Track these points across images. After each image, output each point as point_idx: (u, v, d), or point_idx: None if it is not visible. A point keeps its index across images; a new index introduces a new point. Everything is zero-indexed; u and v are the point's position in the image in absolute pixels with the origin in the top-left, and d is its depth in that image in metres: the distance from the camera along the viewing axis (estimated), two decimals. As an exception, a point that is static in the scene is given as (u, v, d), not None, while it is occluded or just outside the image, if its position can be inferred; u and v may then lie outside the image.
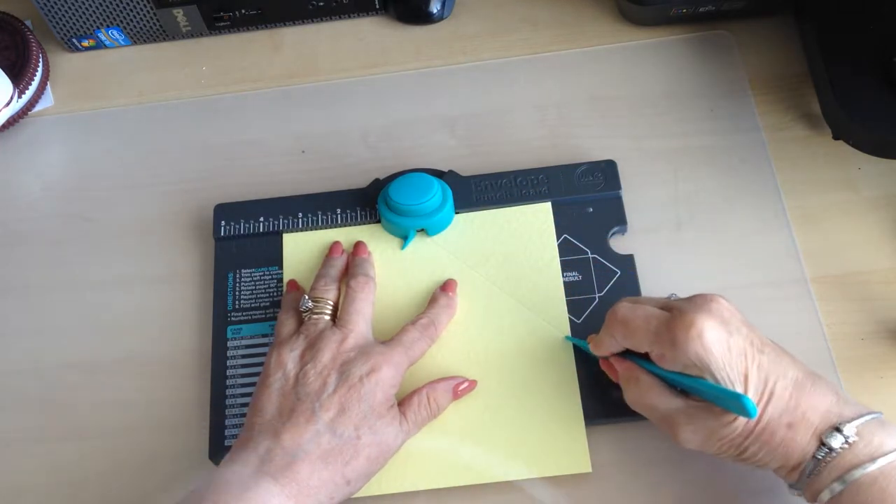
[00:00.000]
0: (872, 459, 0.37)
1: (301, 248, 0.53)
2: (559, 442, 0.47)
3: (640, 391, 0.43)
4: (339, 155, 0.59)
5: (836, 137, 0.53)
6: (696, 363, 0.39)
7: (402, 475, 0.47)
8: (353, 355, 0.45)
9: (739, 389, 0.38)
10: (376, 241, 0.53)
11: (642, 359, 0.43)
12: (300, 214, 0.54)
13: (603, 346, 0.45)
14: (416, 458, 0.47)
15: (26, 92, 0.60)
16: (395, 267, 0.52)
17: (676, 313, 0.40)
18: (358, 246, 0.53)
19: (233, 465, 0.42)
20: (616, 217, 0.53)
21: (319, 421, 0.43)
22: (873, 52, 0.52)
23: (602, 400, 0.48)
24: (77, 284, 0.55)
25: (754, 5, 0.59)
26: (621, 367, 0.44)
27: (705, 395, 0.40)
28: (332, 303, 0.49)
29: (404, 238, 0.53)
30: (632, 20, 0.62)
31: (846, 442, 0.37)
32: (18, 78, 0.60)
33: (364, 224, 0.54)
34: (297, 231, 0.54)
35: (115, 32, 0.63)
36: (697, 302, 0.41)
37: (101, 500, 0.49)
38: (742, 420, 0.39)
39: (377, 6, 0.63)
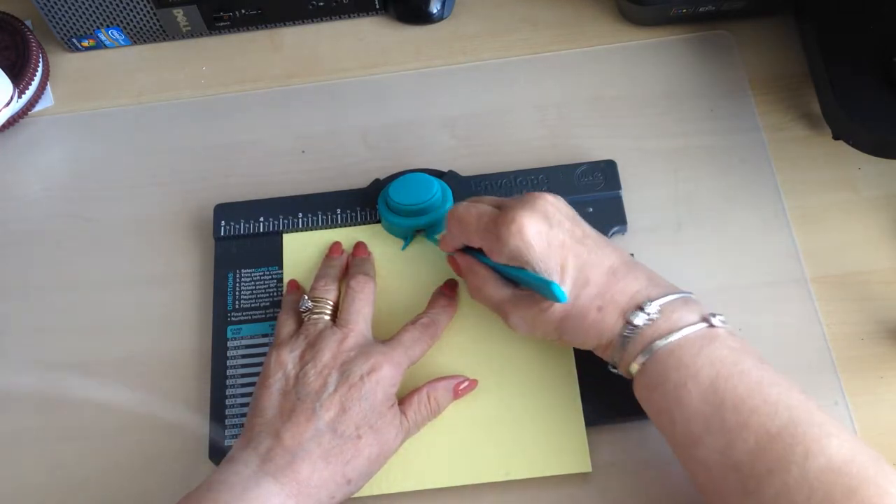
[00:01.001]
0: (671, 332, 0.41)
1: (301, 248, 0.53)
2: (559, 442, 0.47)
3: (478, 282, 0.47)
4: (339, 155, 0.59)
5: (836, 137, 0.53)
6: (518, 256, 0.43)
7: (402, 475, 0.47)
8: (353, 354, 0.45)
9: (556, 279, 0.42)
10: (376, 242, 0.53)
11: (481, 254, 0.46)
12: (300, 214, 0.54)
13: (446, 242, 0.49)
14: (416, 458, 0.47)
15: (26, 92, 0.60)
16: (395, 267, 0.52)
17: (503, 211, 0.44)
18: (358, 246, 0.53)
19: (233, 464, 0.42)
20: (616, 217, 0.53)
21: (320, 420, 0.43)
22: (873, 52, 0.52)
23: (602, 400, 0.48)
24: (77, 284, 0.55)
25: (754, 5, 0.59)
26: (462, 261, 0.48)
27: (528, 285, 0.44)
28: (331, 303, 0.49)
29: (404, 238, 0.53)
30: (632, 20, 0.62)
31: (649, 319, 0.42)
32: (18, 78, 0.60)
33: (364, 224, 0.54)
34: (297, 231, 0.54)
35: (115, 32, 0.63)
36: (524, 199, 0.44)
37: (101, 500, 0.49)
38: (558, 305, 0.43)
39: (377, 6, 0.63)
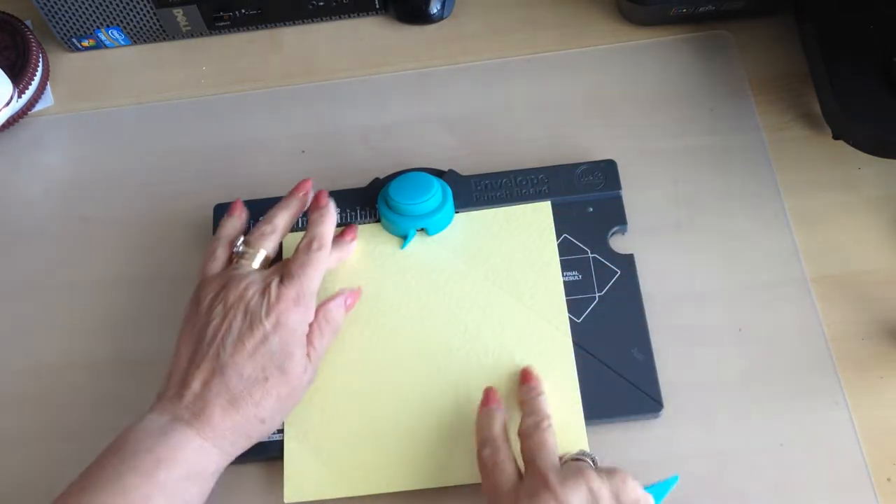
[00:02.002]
0: None
1: None
2: (559, 441, 0.47)
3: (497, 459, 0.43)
4: (339, 155, 0.59)
5: (836, 137, 0.53)
6: None
7: (401, 474, 0.47)
8: (256, 302, 0.45)
9: None
10: (376, 241, 0.53)
11: None
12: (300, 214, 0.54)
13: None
14: (415, 457, 0.47)
15: (26, 92, 0.60)
16: (394, 267, 0.52)
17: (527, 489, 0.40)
18: (318, 196, 0.51)
19: (150, 414, 0.44)
20: (616, 217, 0.53)
21: (226, 367, 0.44)
22: (873, 52, 0.52)
23: (602, 400, 0.48)
24: (77, 284, 0.55)
25: (754, 5, 0.59)
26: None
27: None
28: (264, 255, 0.49)
29: (404, 237, 0.53)
30: (632, 20, 0.62)
31: None
32: (18, 78, 0.60)
33: (364, 224, 0.54)
34: (297, 231, 0.54)
35: (115, 32, 0.63)
36: (554, 480, 0.40)
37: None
38: None
39: (377, 6, 0.63)
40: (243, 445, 0.45)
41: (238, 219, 0.52)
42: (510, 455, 0.44)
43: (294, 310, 0.46)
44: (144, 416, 0.44)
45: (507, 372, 0.49)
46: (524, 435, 0.44)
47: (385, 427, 0.48)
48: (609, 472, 0.40)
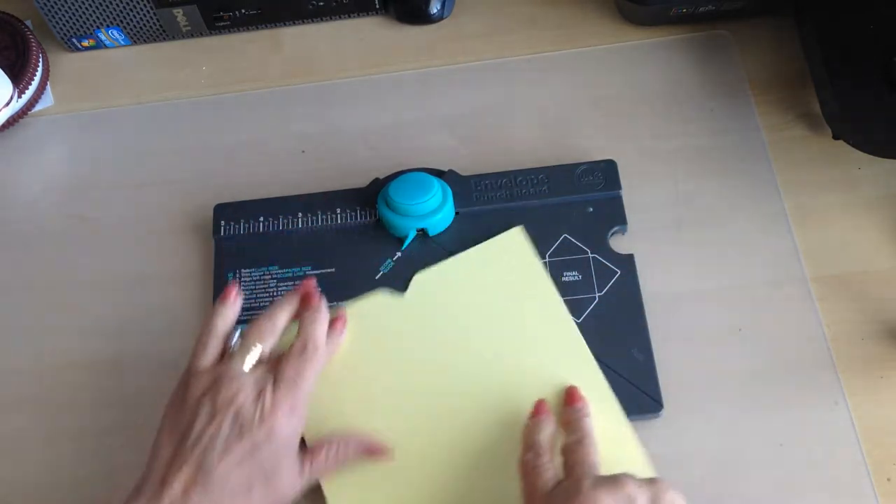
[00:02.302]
0: None
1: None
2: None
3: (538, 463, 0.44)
4: (339, 155, 0.59)
5: (836, 137, 0.53)
6: None
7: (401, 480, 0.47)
8: (249, 406, 0.42)
9: None
10: (375, 243, 0.53)
11: None
12: (300, 214, 0.54)
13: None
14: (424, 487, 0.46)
15: (26, 92, 0.60)
16: (394, 267, 0.52)
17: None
18: (309, 296, 0.47)
19: None
20: (616, 217, 0.53)
21: (210, 474, 0.41)
22: (873, 52, 0.52)
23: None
24: (77, 284, 0.55)
25: (754, 5, 0.59)
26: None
27: None
28: (258, 354, 0.45)
29: (404, 238, 0.53)
30: (632, 20, 0.62)
31: None
32: (18, 78, 0.60)
33: (364, 223, 0.54)
34: (298, 231, 0.54)
35: (115, 32, 0.63)
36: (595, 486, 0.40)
37: (100, 500, 0.49)
38: None
39: (377, 6, 0.63)
40: None
41: (233, 307, 0.47)
42: (552, 462, 0.44)
43: (288, 421, 0.43)
44: None
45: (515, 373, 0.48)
46: (567, 450, 0.44)
47: (421, 482, 0.46)
48: (650, 481, 0.40)
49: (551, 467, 0.43)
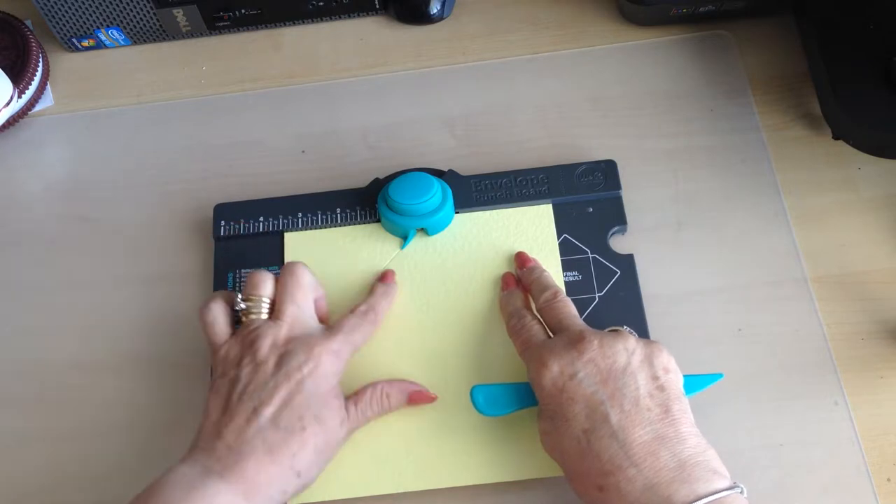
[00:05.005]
0: None
1: (303, 248, 0.53)
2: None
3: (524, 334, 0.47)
4: (339, 155, 0.59)
5: (836, 137, 0.53)
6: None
7: (406, 475, 0.47)
8: (291, 347, 0.45)
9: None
10: (376, 241, 0.53)
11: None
12: (300, 214, 0.54)
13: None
14: (416, 459, 0.47)
15: (26, 92, 0.60)
16: (394, 267, 0.52)
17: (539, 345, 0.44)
18: (389, 273, 0.52)
19: (180, 466, 0.42)
20: (616, 217, 0.53)
21: (262, 416, 0.42)
22: (873, 52, 0.52)
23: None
24: (77, 284, 0.55)
25: (754, 5, 0.59)
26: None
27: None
28: (267, 299, 0.47)
29: (404, 238, 0.53)
30: (632, 20, 0.62)
31: None
32: (18, 78, 0.60)
33: (364, 223, 0.54)
34: (297, 230, 0.54)
35: (115, 32, 0.63)
36: (588, 336, 0.43)
37: (101, 500, 0.49)
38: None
39: (377, 6, 0.63)
40: (278, 500, 0.42)
41: (228, 293, 0.49)
42: (536, 319, 0.47)
43: (333, 360, 0.45)
44: (174, 467, 0.42)
45: (508, 372, 0.49)
46: (544, 309, 0.47)
47: (388, 427, 0.48)
48: (646, 341, 0.43)
49: (537, 323, 0.47)
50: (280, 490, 0.42)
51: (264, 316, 0.47)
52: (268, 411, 0.43)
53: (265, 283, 0.48)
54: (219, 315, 0.47)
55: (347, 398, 0.46)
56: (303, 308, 0.47)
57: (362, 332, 0.48)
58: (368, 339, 0.48)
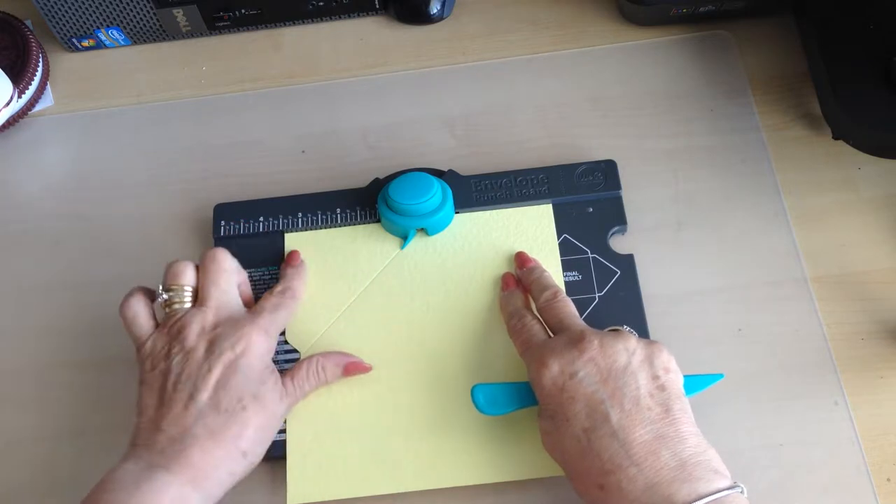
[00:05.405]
0: None
1: (302, 248, 0.53)
2: None
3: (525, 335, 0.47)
4: (339, 155, 0.59)
5: (836, 137, 0.53)
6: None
7: (404, 475, 0.47)
8: (219, 331, 0.45)
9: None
10: (376, 241, 0.53)
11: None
12: (300, 214, 0.54)
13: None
14: (419, 458, 0.47)
15: (26, 92, 0.60)
16: (396, 268, 0.52)
17: (540, 345, 0.44)
18: (294, 255, 0.52)
19: (123, 463, 0.41)
20: (616, 217, 0.53)
21: (199, 402, 0.42)
22: (873, 52, 0.52)
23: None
24: (77, 284, 0.55)
25: (754, 5, 0.59)
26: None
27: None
28: (189, 287, 0.47)
29: (404, 238, 0.53)
30: (632, 20, 0.62)
31: None
32: (18, 78, 0.60)
33: (364, 223, 0.54)
34: (297, 231, 0.54)
35: (115, 32, 0.63)
36: (586, 336, 0.43)
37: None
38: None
39: (377, 6, 0.63)
40: (227, 483, 0.43)
41: (147, 288, 0.48)
42: (536, 319, 0.47)
43: (264, 338, 0.45)
44: (115, 466, 0.41)
45: (508, 372, 0.49)
46: (544, 308, 0.47)
47: (388, 428, 0.48)
48: (647, 341, 0.43)
49: (537, 322, 0.47)
50: (228, 472, 0.42)
51: (187, 305, 0.46)
52: (204, 396, 0.42)
53: (186, 272, 0.47)
54: (140, 310, 0.46)
55: (283, 374, 0.47)
56: (227, 292, 0.47)
57: (286, 309, 0.48)
58: (291, 317, 0.49)
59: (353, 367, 0.48)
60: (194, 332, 0.45)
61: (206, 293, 0.46)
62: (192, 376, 0.43)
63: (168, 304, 0.47)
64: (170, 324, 0.46)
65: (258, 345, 0.45)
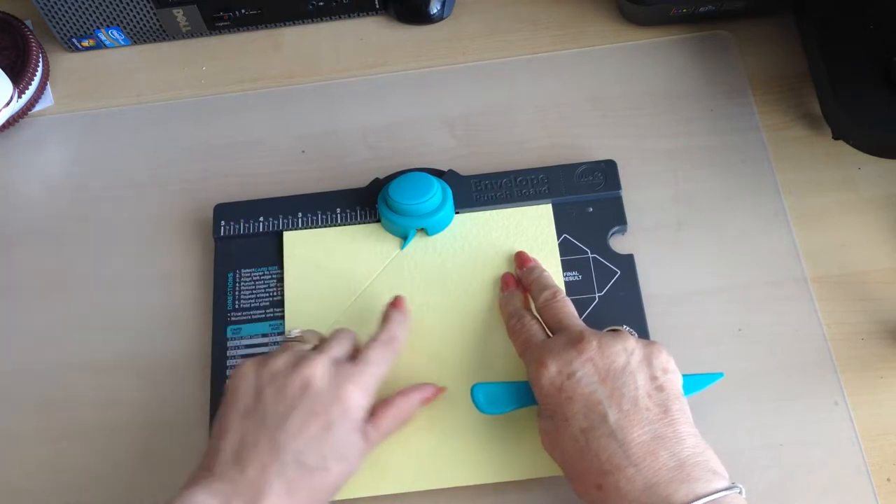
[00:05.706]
0: None
1: (301, 247, 0.53)
2: None
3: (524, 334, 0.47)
4: (339, 155, 0.59)
5: (836, 137, 0.53)
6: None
7: (400, 475, 0.47)
8: (321, 382, 0.43)
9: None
10: (376, 241, 0.53)
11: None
12: (300, 214, 0.54)
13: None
14: (416, 459, 0.47)
15: (26, 92, 0.60)
16: (394, 267, 0.52)
17: (540, 345, 0.44)
18: (401, 300, 0.50)
19: (199, 492, 0.39)
20: (616, 217, 0.53)
21: (286, 452, 0.40)
22: (873, 52, 0.52)
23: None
24: (77, 284, 0.55)
25: (754, 5, 0.59)
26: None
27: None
28: (319, 338, 0.47)
29: (404, 238, 0.53)
30: (632, 20, 0.62)
31: None
32: (18, 78, 0.60)
33: (364, 223, 0.54)
34: (297, 230, 0.54)
35: (115, 32, 0.63)
36: (584, 336, 0.43)
37: (101, 499, 0.49)
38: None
39: (377, 6, 0.63)
40: None
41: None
42: (535, 319, 0.47)
43: (361, 396, 0.43)
44: (190, 491, 0.39)
45: (508, 372, 0.49)
46: (543, 308, 0.47)
47: None
48: (646, 341, 0.43)
49: (536, 323, 0.47)
50: None
51: (307, 347, 0.45)
52: (292, 447, 0.41)
53: (316, 339, 0.47)
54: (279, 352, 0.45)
55: (367, 422, 0.44)
56: (376, 380, 0.45)
57: (386, 364, 0.46)
58: (390, 368, 0.46)
59: (432, 398, 0.47)
60: (299, 376, 0.43)
61: (328, 346, 0.45)
62: (283, 419, 0.41)
63: (291, 342, 0.46)
64: (288, 353, 0.44)
65: (356, 405, 0.43)
